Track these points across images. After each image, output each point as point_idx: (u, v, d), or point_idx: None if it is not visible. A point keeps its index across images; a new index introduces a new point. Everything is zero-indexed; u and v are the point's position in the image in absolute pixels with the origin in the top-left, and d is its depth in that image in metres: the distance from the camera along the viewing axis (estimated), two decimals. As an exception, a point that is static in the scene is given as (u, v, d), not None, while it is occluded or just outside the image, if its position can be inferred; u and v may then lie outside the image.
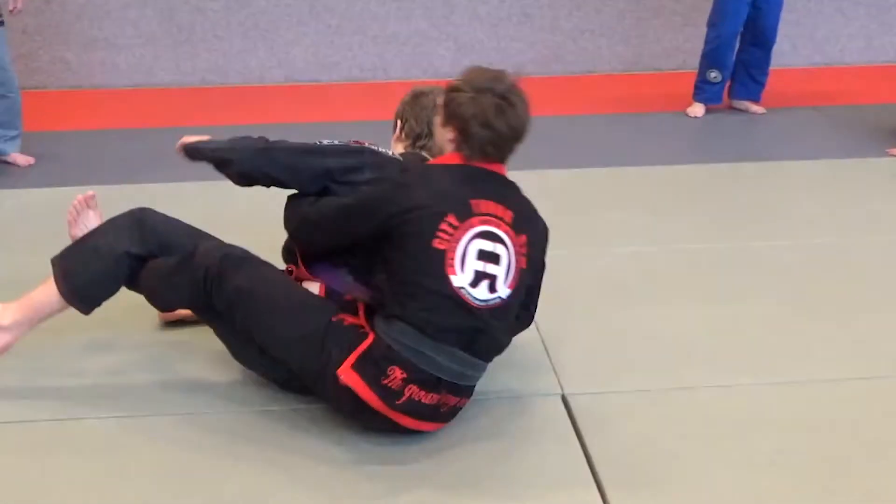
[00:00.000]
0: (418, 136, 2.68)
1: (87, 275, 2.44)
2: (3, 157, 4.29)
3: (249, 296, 2.26)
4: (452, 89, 2.23)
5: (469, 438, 2.30)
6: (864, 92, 5.52)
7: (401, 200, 2.19)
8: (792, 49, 6.00)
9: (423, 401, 2.17)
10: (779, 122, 4.99)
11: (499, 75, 2.24)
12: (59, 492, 2.13)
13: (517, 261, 2.21)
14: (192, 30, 5.77)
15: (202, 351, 2.62)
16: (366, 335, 2.20)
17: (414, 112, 2.69)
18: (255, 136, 2.53)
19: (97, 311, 2.50)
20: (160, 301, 2.50)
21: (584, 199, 3.89)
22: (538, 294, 2.43)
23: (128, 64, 5.78)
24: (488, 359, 2.29)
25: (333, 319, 2.23)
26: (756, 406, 2.44)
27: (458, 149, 2.24)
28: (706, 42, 4.98)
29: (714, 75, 4.96)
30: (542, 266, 2.40)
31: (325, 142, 2.52)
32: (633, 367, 2.62)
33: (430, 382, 2.16)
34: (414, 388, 2.15)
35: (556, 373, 2.57)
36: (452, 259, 2.14)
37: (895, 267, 3.28)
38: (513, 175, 2.30)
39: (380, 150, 2.53)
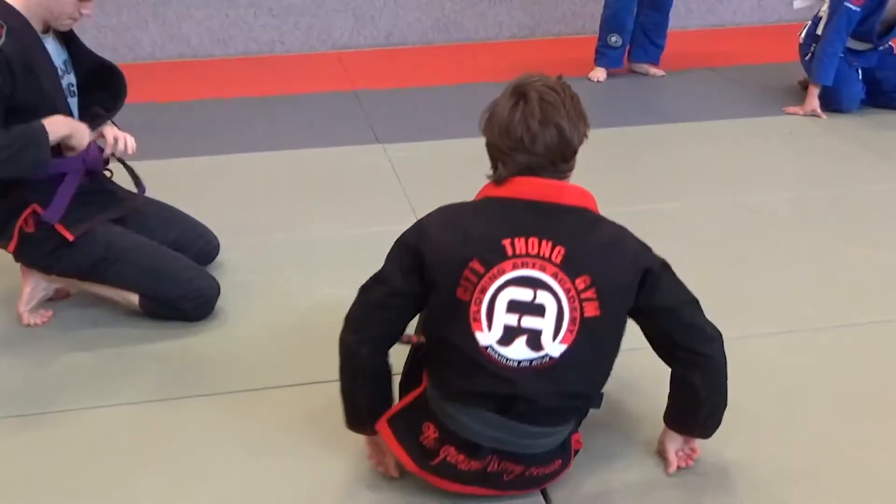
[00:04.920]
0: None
1: None
2: None
3: None
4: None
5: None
6: (756, 52, 5.62)
7: (420, 244, 1.85)
8: (687, 11, 6.09)
9: (460, 466, 1.86)
10: (678, 83, 5.05)
11: (524, 77, 1.86)
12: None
13: (575, 309, 1.78)
14: (76, 5, 5.52)
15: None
16: (420, 381, 1.96)
17: None
18: None
19: None
20: None
21: (480, 169, 3.84)
22: (693, 331, 1.90)
23: (9, 43, 5.50)
24: (548, 423, 1.87)
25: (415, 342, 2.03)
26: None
27: (492, 174, 1.88)
28: (606, 7, 4.98)
29: (615, 39, 4.98)
30: (667, 303, 1.88)
31: None
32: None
33: (469, 446, 1.85)
34: (450, 448, 1.86)
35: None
36: (478, 312, 1.78)
37: (800, 222, 3.36)
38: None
39: None
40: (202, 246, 2.87)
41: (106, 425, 2.25)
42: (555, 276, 1.78)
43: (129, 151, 2.69)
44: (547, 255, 1.79)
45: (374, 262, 2.91)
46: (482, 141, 4.50)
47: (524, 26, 6.02)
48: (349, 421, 2.01)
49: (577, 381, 1.86)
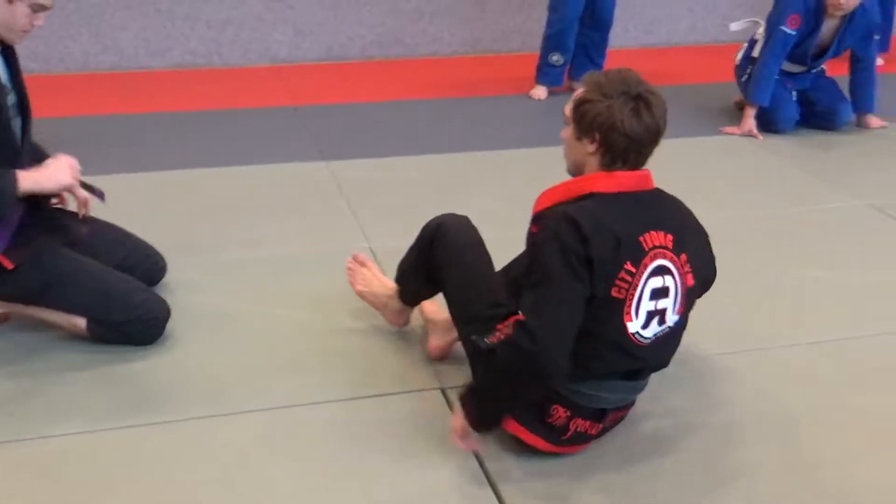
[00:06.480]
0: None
1: None
2: None
3: (441, 275, 2.35)
4: (583, 100, 2.06)
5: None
6: (692, 71, 5.73)
7: (589, 251, 1.96)
8: (624, 31, 6.17)
9: (589, 431, 2.15)
10: (617, 102, 5.10)
11: (626, 76, 2.05)
12: None
13: (683, 284, 2.08)
14: (6, 14, 5.36)
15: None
16: None
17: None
18: None
19: None
20: (401, 281, 2.56)
21: (433, 186, 3.86)
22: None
23: (-66, 52, 5.32)
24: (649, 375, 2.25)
25: (499, 328, 2.14)
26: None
27: (602, 161, 2.06)
28: (548, 25, 5.03)
29: (556, 58, 5.02)
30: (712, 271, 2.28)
31: None
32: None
33: (595, 414, 2.13)
34: (579, 421, 2.12)
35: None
36: (630, 306, 2.01)
37: (741, 243, 3.41)
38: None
39: None
40: (149, 267, 2.79)
41: (55, 456, 2.16)
42: (672, 260, 2.06)
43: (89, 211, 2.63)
44: (663, 243, 2.05)
45: (327, 282, 2.91)
46: (430, 158, 4.52)
47: (465, 42, 6.04)
48: (489, 422, 2.09)
49: (679, 340, 2.20)
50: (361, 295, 2.68)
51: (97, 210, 2.85)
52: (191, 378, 2.47)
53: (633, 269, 1.99)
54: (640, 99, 2.02)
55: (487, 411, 2.06)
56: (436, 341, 2.55)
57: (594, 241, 1.95)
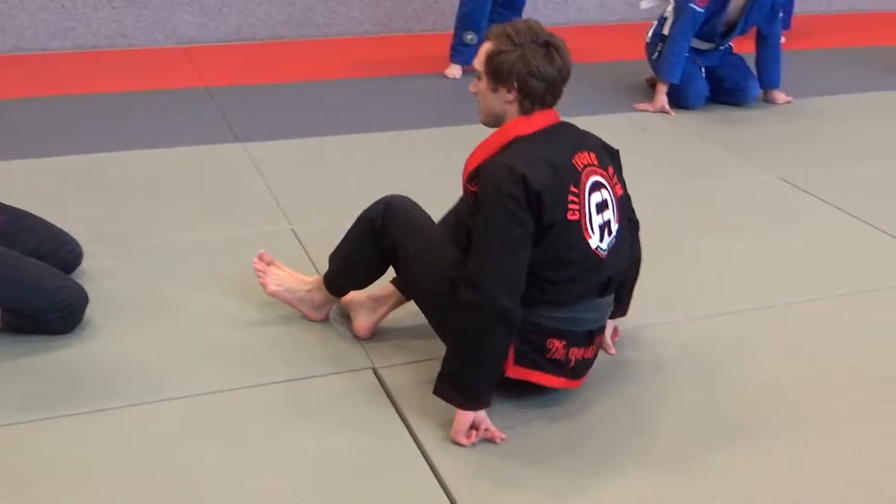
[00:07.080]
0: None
1: None
2: None
3: (402, 248, 2.34)
4: (496, 52, 2.13)
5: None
6: (602, 50, 5.79)
7: (534, 186, 2.06)
8: (533, 10, 6.18)
9: (586, 356, 2.27)
10: (531, 81, 5.13)
11: (531, 25, 2.17)
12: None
13: (615, 193, 2.26)
14: None
15: None
16: None
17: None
18: None
19: None
20: (342, 271, 2.50)
21: (351, 166, 3.83)
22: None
23: None
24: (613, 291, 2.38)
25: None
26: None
27: (521, 108, 2.17)
28: (462, 5, 5.01)
29: (470, 37, 5.01)
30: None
31: None
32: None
33: (585, 337, 2.25)
34: (574, 350, 2.23)
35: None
36: (585, 224, 2.16)
37: (660, 216, 3.47)
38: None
39: None
40: (65, 254, 2.70)
41: (-28, 451, 2.08)
42: (601, 175, 2.23)
43: None
44: (589, 161, 2.21)
45: (249, 265, 2.85)
46: (347, 138, 4.46)
47: (377, 22, 5.99)
48: (478, 397, 2.12)
49: (626, 249, 2.33)
50: (275, 295, 2.61)
51: (7, 197, 2.75)
52: (113, 366, 2.40)
53: (577, 190, 2.14)
54: (548, 45, 2.14)
55: (469, 382, 2.10)
56: (362, 321, 2.53)
57: (532, 177, 2.06)
